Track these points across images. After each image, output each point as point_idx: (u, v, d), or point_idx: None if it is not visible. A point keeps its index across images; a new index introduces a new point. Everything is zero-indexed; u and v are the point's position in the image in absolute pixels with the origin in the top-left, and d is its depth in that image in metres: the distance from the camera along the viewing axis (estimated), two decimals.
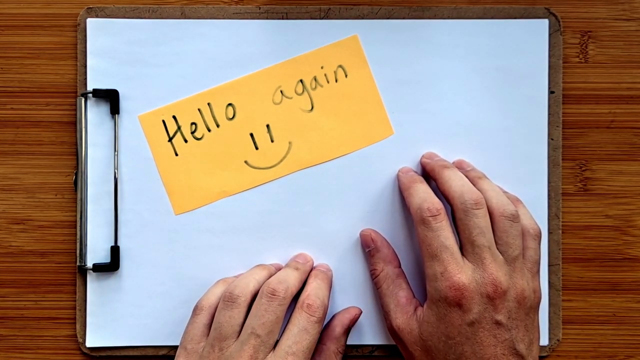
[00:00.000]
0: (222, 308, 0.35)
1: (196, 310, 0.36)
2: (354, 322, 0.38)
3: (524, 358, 0.33)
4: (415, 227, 0.35)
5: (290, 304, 0.35)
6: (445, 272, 0.33)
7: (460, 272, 0.33)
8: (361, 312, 0.38)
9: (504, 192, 0.38)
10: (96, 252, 0.39)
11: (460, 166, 0.38)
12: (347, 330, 0.37)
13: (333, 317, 0.38)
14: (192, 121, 0.39)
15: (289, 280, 0.35)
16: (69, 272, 0.39)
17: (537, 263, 0.35)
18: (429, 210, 0.34)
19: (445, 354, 0.33)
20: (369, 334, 0.39)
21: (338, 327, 0.37)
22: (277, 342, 0.34)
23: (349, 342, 0.38)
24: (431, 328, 0.34)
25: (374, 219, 0.39)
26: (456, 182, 0.35)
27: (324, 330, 0.37)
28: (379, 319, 0.39)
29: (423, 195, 0.35)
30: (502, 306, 0.33)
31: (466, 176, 0.36)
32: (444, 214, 0.34)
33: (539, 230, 0.36)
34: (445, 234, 0.34)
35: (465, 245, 0.34)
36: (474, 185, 0.36)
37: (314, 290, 0.36)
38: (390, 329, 0.36)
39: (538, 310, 0.35)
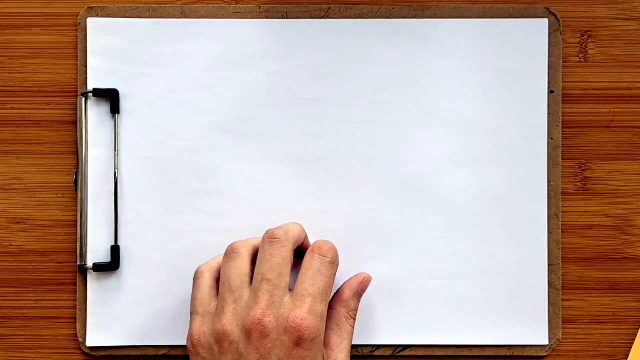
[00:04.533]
0: (226, 262, 0.35)
1: (197, 275, 0.36)
2: (363, 286, 0.37)
3: None
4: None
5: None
6: None
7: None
8: (370, 277, 0.37)
9: None
10: (96, 251, 0.39)
11: None
12: (358, 295, 0.37)
13: (342, 285, 0.37)
14: None
15: (288, 226, 0.35)
16: (70, 272, 0.39)
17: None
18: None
19: None
20: (369, 334, 0.39)
21: (347, 290, 0.37)
22: (290, 290, 0.34)
23: None
24: None
25: (374, 219, 0.39)
26: None
27: (333, 296, 0.37)
28: (378, 319, 0.39)
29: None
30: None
31: None
32: None
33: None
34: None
35: None
36: None
37: (322, 240, 0.36)
38: None
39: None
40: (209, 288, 0.35)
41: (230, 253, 0.35)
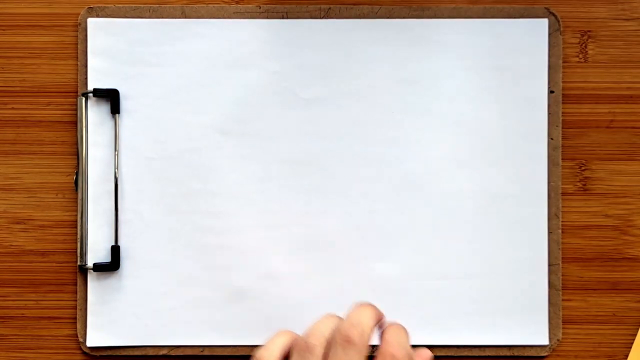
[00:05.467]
0: None
1: None
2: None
3: None
4: None
5: None
6: None
7: None
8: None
9: None
10: (97, 251, 0.39)
11: None
12: None
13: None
14: None
15: (363, 320, 0.30)
16: (70, 272, 0.39)
17: None
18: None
19: None
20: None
21: None
22: None
23: None
24: None
25: (374, 219, 0.39)
26: None
27: None
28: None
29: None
30: None
31: None
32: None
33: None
34: None
35: None
36: None
37: (396, 337, 0.30)
38: None
39: None
40: None
41: (304, 351, 0.30)
